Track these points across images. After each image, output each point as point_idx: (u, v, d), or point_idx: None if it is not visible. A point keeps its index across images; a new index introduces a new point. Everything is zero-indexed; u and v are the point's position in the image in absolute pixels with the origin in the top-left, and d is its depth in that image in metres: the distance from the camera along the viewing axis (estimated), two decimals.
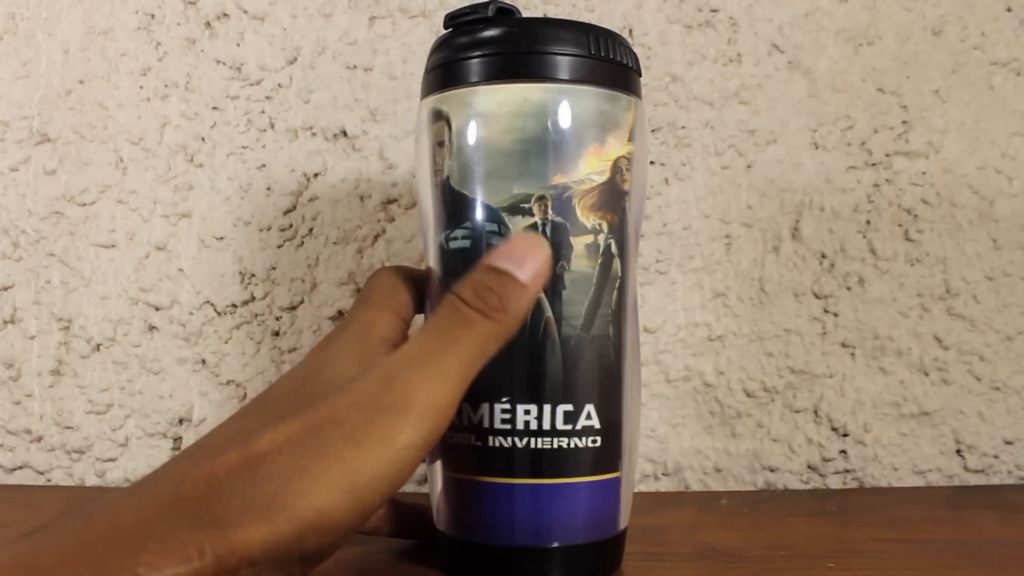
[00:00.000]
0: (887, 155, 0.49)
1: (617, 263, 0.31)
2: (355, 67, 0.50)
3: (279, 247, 0.50)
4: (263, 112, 0.50)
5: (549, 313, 0.30)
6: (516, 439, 0.30)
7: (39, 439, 0.51)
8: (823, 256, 0.50)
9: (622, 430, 0.32)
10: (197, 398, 0.50)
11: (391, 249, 0.49)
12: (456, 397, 0.26)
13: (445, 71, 0.31)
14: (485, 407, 0.30)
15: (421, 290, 0.33)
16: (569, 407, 0.30)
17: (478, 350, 0.26)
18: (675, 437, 0.50)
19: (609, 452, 0.31)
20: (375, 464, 0.24)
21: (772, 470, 0.50)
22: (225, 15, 0.50)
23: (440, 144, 0.31)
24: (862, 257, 0.49)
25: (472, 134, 0.30)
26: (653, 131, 0.49)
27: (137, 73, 0.50)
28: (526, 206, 0.30)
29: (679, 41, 0.49)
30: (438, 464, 0.32)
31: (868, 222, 0.49)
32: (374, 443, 0.24)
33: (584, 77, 0.30)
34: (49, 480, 0.51)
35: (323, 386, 0.26)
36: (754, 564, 0.34)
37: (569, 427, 0.30)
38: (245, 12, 0.50)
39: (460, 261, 0.30)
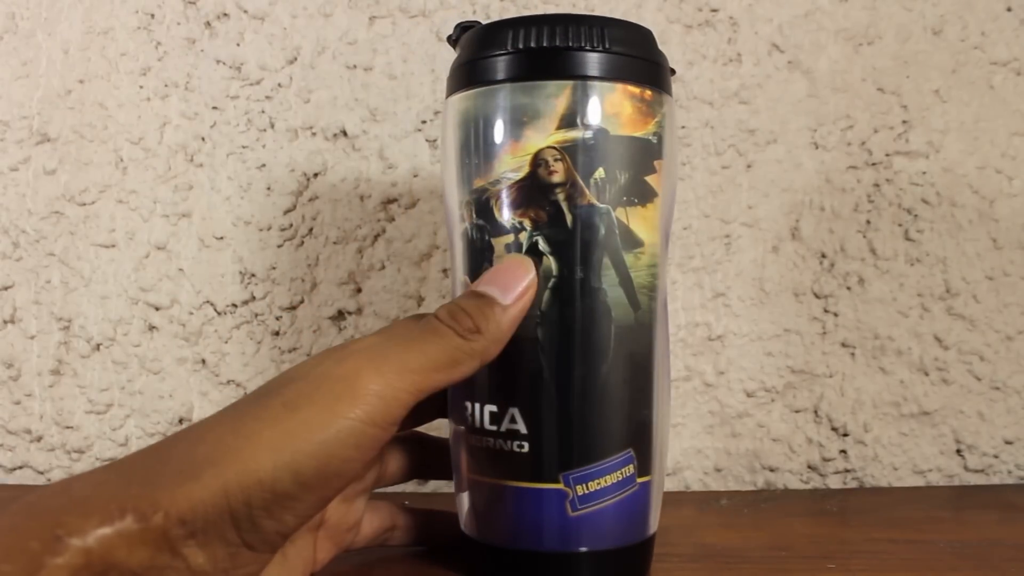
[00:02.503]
0: (887, 155, 0.49)
1: (549, 260, 0.30)
2: (355, 67, 0.50)
3: (279, 247, 0.50)
4: (263, 112, 0.50)
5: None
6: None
7: (39, 439, 0.51)
8: (823, 256, 0.50)
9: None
10: (197, 398, 0.50)
11: (391, 249, 0.49)
12: (406, 395, 0.25)
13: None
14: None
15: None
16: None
17: (443, 359, 0.26)
18: (675, 437, 0.50)
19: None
20: (311, 430, 0.23)
21: (772, 470, 0.50)
22: (225, 15, 0.50)
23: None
24: (862, 257, 0.49)
25: (447, 135, 0.32)
26: None
27: (137, 73, 0.50)
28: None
29: (679, 41, 0.49)
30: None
31: (868, 222, 0.49)
32: (313, 410, 0.24)
33: (503, 76, 0.30)
34: (49, 480, 0.51)
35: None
36: (754, 564, 0.34)
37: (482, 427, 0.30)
38: (245, 12, 0.50)
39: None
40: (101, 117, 0.51)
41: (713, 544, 0.37)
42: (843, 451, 0.50)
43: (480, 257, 0.30)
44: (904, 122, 0.49)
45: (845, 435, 0.50)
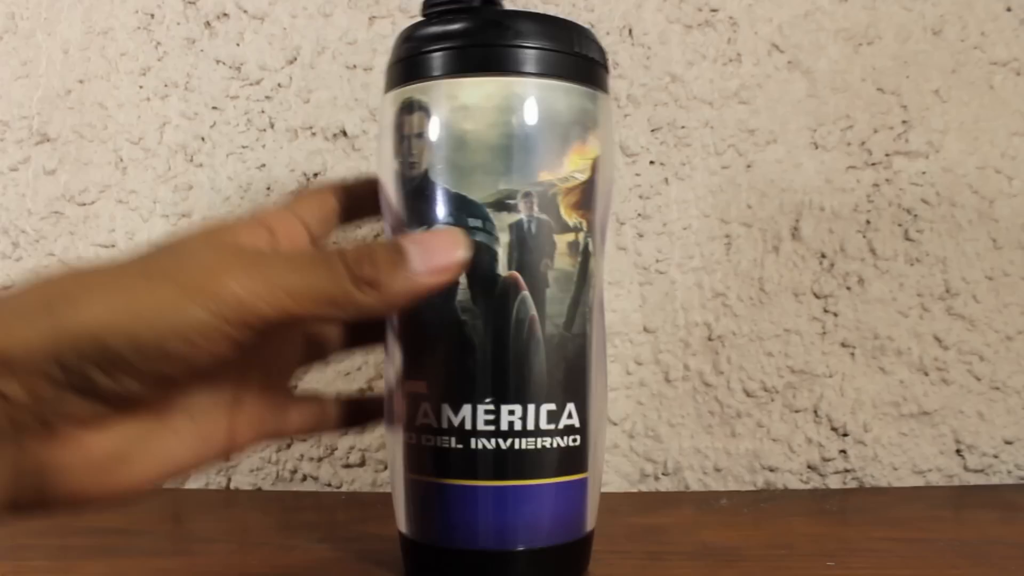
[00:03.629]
0: (887, 155, 0.49)
1: (593, 261, 0.31)
2: (355, 67, 0.50)
3: None
4: (263, 112, 0.50)
5: (533, 312, 0.30)
6: (498, 440, 0.29)
7: None
8: (823, 256, 0.50)
9: (591, 429, 0.31)
10: None
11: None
12: (269, 309, 0.24)
13: (423, 61, 0.30)
14: (466, 408, 0.29)
15: (353, 199, 0.33)
16: (552, 406, 0.30)
17: (323, 294, 0.25)
18: (675, 437, 0.50)
19: (583, 452, 0.31)
20: (158, 304, 0.23)
21: (772, 470, 0.50)
22: (225, 15, 0.50)
23: (418, 136, 0.30)
24: (862, 257, 0.49)
25: (455, 127, 0.30)
26: (653, 131, 0.49)
27: (137, 73, 0.50)
28: (512, 202, 0.29)
29: (679, 41, 0.49)
30: (399, 466, 0.31)
31: (868, 222, 0.49)
32: (167, 287, 0.23)
33: (566, 73, 0.30)
34: None
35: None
36: (754, 563, 0.34)
37: (552, 426, 0.30)
38: (245, 12, 0.50)
39: None
40: (101, 117, 0.51)
41: (713, 543, 0.37)
42: (843, 451, 0.50)
43: (541, 252, 0.30)
44: (904, 122, 0.49)
45: (845, 435, 0.50)
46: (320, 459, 0.50)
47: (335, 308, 0.25)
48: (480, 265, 0.29)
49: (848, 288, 0.49)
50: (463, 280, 0.29)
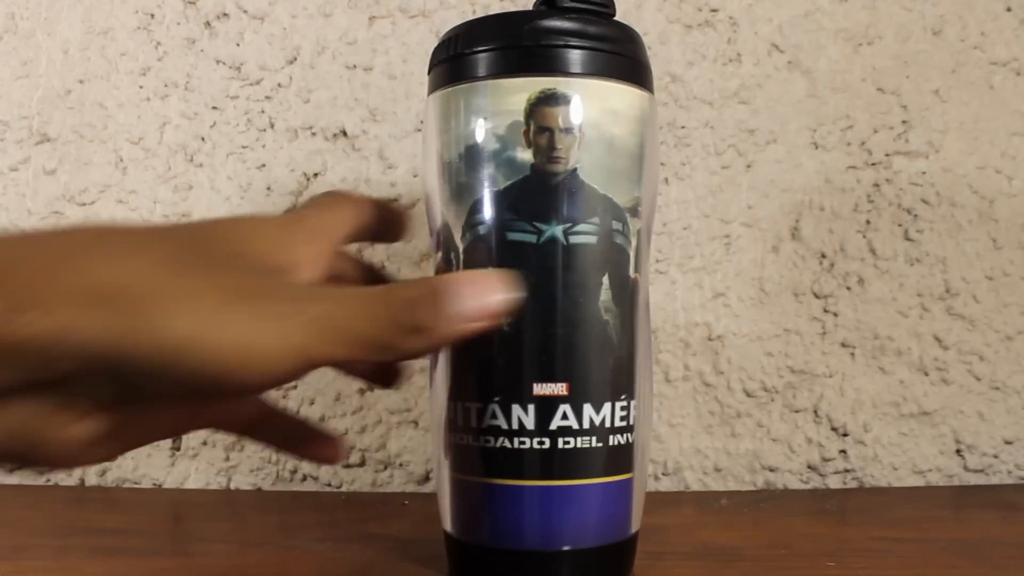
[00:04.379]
0: (887, 155, 0.49)
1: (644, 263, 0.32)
2: (355, 67, 0.50)
3: None
4: (263, 112, 0.50)
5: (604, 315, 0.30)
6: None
7: None
8: (823, 256, 0.50)
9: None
10: None
11: (391, 249, 0.49)
12: (327, 354, 0.22)
13: (563, 55, 0.30)
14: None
15: (371, 218, 0.30)
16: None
17: (370, 342, 0.23)
18: (675, 437, 0.50)
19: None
20: (245, 328, 0.21)
21: (772, 470, 0.50)
22: (225, 15, 0.50)
23: (566, 131, 0.29)
24: (862, 257, 0.49)
25: (605, 129, 0.30)
26: None
27: (137, 73, 0.50)
28: (640, 208, 0.31)
29: (679, 41, 0.49)
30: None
31: (868, 222, 0.49)
32: (261, 308, 0.21)
33: (652, 88, 0.32)
34: (49, 480, 0.51)
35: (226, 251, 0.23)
36: (754, 563, 0.34)
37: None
38: (245, 12, 0.50)
39: (580, 258, 0.29)
40: (101, 117, 0.51)
41: (713, 543, 0.37)
42: (843, 451, 0.50)
43: (638, 258, 0.31)
44: (904, 122, 0.49)
45: (845, 435, 0.50)
46: None
47: (379, 353, 0.24)
48: (619, 267, 0.30)
49: (848, 288, 0.49)
50: (605, 281, 0.30)
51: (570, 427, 0.29)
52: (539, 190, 0.29)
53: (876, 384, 0.50)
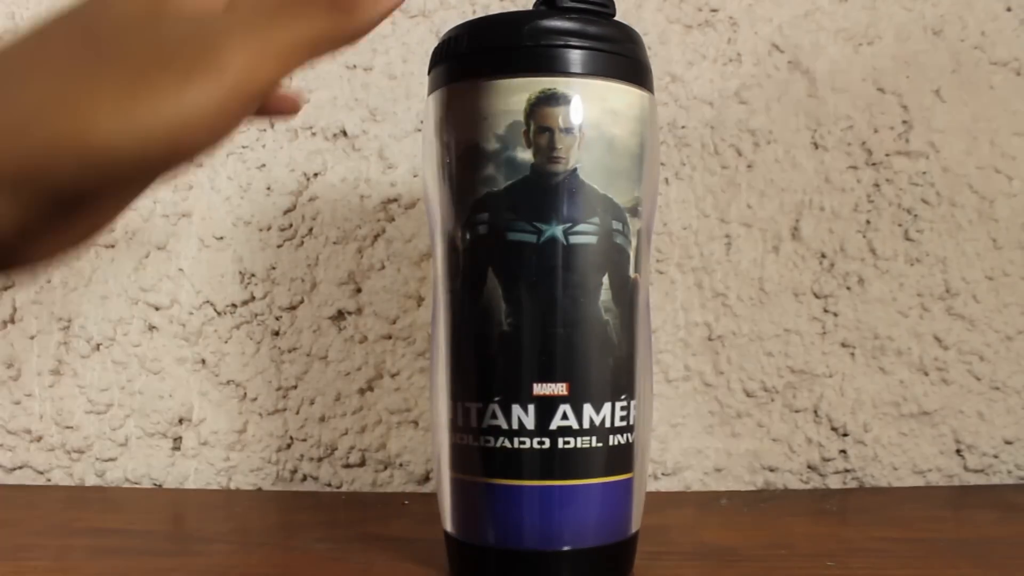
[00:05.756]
0: (887, 155, 0.49)
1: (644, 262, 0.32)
2: (355, 67, 0.50)
3: (279, 247, 0.50)
4: None
5: (604, 315, 0.30)
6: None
7: (39, 439, 0.51)
8: (823, 256, 0.50)
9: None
10: (197, 398, 0.50)
11: (391, 249, 0.49)
12: (272, 80, 0.21)
13: (563, 55, 0.30)
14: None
15: None
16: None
17: (317, 40, 0.22)
18: (675, 437, 0.50)
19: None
20: (164, 98, 0.19)
21: (772, 470, 0.50)
22: None
23: (565, 131, 0.29)
24: (862, 257, 0.49)
25: (605, 129, 0.30)
26: None
27: None
28: (640, 208, 0.31)
29: (679, 41, 0.49)
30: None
31: (868, 222, 0.49)
32: (167, 76, 0.20)
33: (652, 89, 0.32)
34: (49, 480, 0.51)
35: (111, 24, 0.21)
36: (754, 563, 0.34)
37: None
38: None
39: (580, 258, 0.30)
40: None
41: (713, 543, 0.37)
42: (843, 451, 0.50)
43: (639, 258, 0.32)
44: (904, 122, 0.49)
45: (845, 435, 0.50)
46: (320, 459, 0.50)
47: (329, 46, 0.22)
48: (619, 267, 0.30)
49: (848, 288, 0.49)
50: (606, 281, 0.30)
51: (570, 427, 0.29)
52: (539, 190, 0.29)
53: (876, 384, 0.50)
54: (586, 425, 0.30)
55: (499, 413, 0.30)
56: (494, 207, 0.30)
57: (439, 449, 0.32)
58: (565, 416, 0.29)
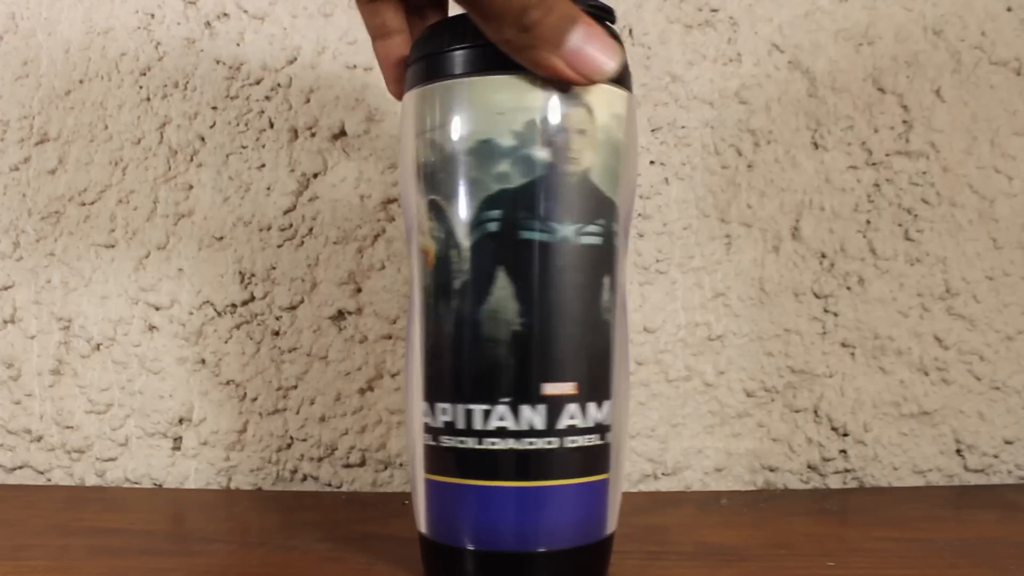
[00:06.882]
0: (887, 155, 0.49)
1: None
2: (355, 67, 0.50)
3: (279, 247, 0.50)
4: (263, 112, 0.50)
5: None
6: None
7: (39, 439, 0.51)
8: (823, 256, 0.50)
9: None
10: (197, 398, 0.50)
11: (391, 249, 0.49)
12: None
13: None
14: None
15: None
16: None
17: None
18: (675, 437, 0.50)
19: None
20: None
21: (772, 470, 0.50)
22: (225, 15, 0.50)
23: (580, 132, 0.29)
24: (862, 257, 0.49)
25: (613, 134, 0.30)
26: (653, 131, 0.49)
27: (137, 73, 0.50)
28: (625, 211, 0.31)
29: (679, 41, 0.49)
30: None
31: (868, 222, 0.49)
32: None
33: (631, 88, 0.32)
34: (49, 480, 0.51)
35: None
36: (754, 563, 0.34)
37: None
38: (245, 12, 0.50)
39: (588, 258, 0.30)
40: (101, 117, 0.51)
41: (713, 543, 0.37)
42: (843, 451, 0.50)
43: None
44: (904, 122, 0.49)
45: (845, 435, 0.50)
46: (320, 459, 0.50)
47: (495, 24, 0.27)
48: (616, 268, 0.31)
49: (848, 288, 0.49)
50: (606, 281, 0.30)
51: (576, 426, 0.30)
52: (554, 190, 0.29)
53: (876, 384, 0.50)
54: (591, 424, 0.30)
55: (507, 414, 0.30)
56: (507, 205, 0.29)
57: (413, 451, 0.32)
58: (572, 416, 0.30)
